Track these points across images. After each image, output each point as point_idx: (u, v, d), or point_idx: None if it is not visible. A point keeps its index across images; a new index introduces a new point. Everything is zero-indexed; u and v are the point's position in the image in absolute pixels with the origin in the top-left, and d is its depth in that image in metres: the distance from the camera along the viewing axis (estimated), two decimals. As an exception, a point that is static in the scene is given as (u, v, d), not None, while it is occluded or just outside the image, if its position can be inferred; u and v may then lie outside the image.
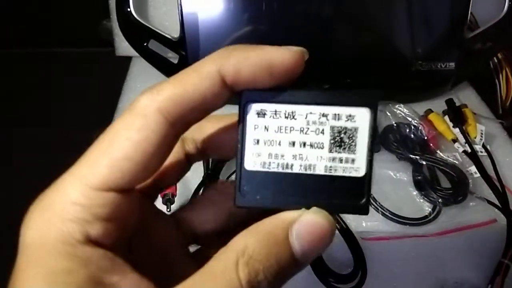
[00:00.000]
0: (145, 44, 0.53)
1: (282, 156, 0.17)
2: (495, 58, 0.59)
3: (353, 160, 0.17)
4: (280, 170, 0.17)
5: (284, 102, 0.17)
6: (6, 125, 0.56)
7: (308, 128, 0.17)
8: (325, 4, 0.50)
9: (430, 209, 0.42)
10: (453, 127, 0.49)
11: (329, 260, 0.38)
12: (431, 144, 0.47)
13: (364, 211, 0.17)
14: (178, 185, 0.42)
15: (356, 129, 0.17)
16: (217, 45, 0.50)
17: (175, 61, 0.53)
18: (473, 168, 0.45)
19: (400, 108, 0.49)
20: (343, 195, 0.17)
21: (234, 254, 0.15)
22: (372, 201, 0.42)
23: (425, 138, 0.46)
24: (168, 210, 0.39)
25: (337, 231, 0.40)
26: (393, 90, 0.52)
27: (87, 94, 0.59)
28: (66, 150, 0.53)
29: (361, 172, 0.17)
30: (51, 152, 0.53)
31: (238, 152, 0.17)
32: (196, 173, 0.43)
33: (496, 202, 0.42)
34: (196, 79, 0.15)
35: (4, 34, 0.67)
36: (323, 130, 0.17)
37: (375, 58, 0.51)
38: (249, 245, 0.15)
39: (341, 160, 0.17)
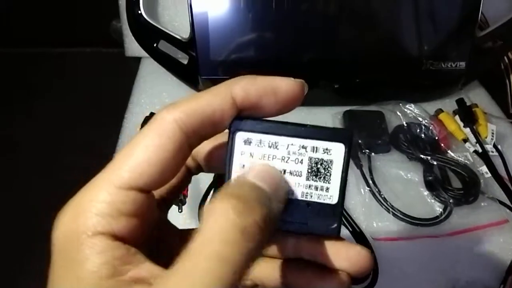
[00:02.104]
0: (155, 45, 0.53)
1: None
2: (505, 58, 0.58)
3: (327, 189, 0.19)
4: None
5: (268, 133, 0.18)
6: (17, 124, 0.57)
7: (289, 158, 0.19)
8: (335, 4, 0.50)
9: (441, 210, 0.42)
10: (464, 127, 0.49)
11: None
12: (442, 144, 0.47)
13: (335, 234, 0.19)
14: (190, 186, 0.42)
15: (331, 162, 0.19)
16: (227, 45, 0.51)
17: (185, 61, 0.53)
18: (484, 168, 0.45)
19: (410, 108, 0.49)
20: (316, 218, 0.19)
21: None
22: (383, 201, 0.42)
23: (436, 138, 0.46)
24: (179, 210, 0.40)
25: (348, 232, 0.40)
26: (403, 89, 0.52)
27: (97, 95, 0.59)
28: (76, 149, 0.54)
29: (334, 200, 0.19)
30: (61, 152, 0.53)
31: (226, 174, 0.19)
32: (206, 175, 0.43)
33: (508, 202, 0.42)
34: (209, 96, 0.17)
35: (14, 33, 0.67)
36: (302, 160, 0.19)
37: (385, 58, 0.51)
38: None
39: (316, 188, 0.19)
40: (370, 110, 0.51)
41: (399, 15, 0.49)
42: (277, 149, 0.19)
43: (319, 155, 0.19)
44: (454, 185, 0.43)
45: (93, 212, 0.16)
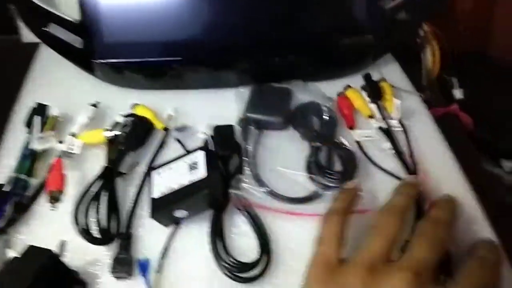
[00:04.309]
0: (44, 28, 0.49)
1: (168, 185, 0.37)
2: (422, 30, 0.57)
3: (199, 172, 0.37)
4: (168, 192, 0.37)
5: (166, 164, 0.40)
6: None
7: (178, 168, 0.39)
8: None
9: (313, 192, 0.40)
10: (370, 102, 0.47)
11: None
12: (347, 122, 0.45)
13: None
14: (70, 179, 0.39)
15: (199, 160, 0.38)
16: (122, 25, 0.47)
17: (79, 45, 0.49)
18: (388, 145, 0.44)
19: (316, 86, 0.47)
20: (200, 190, 0.36)
21: None
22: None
23: (329, 117, 0.44)
24: (51, 208, 0.36)
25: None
26: (312, 67, 0.50)
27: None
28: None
29: (203, 175, 0.36)
30: None
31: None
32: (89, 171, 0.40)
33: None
34: None
35: None
36: (184, 166, 0.38)
37: (290, 37, 0.48)
38: None
39: (194, 174, 0.37)
40: (279, 87, 0.48)
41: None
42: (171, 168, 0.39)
43: (193, 159, 0.38)
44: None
45: None
